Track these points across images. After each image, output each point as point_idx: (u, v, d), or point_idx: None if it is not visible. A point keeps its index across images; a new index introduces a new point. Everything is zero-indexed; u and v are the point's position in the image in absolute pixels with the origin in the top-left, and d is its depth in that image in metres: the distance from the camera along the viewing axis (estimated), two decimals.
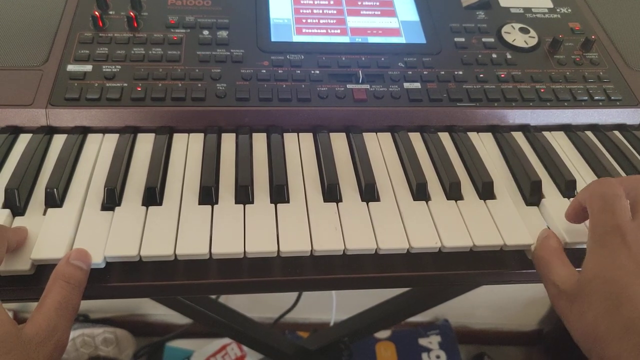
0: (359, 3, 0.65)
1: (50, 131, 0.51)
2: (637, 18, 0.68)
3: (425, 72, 0.57)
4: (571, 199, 0.48)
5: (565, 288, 0.38)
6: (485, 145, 0.55)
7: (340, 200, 0.46)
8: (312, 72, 0.56)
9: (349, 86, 0.55)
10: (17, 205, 0.43)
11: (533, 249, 0.44)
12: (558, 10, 0.67)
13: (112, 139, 0.51)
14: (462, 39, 0.61)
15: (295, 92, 0.54)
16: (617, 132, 0.58)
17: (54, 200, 0.44)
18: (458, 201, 0.47)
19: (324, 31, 0.61)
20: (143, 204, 0.45)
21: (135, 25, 0.57)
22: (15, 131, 0.51)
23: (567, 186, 0.49)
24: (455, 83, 0.57)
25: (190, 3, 0.61)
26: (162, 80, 0.53)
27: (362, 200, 0.47)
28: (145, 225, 0.42)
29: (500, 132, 0.56)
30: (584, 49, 0.62)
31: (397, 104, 0.54)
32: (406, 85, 0.56)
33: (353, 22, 0.62)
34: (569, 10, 0.67)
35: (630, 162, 0.53)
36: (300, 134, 0.54)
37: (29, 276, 0.40)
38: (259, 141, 0.52)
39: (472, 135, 0.55)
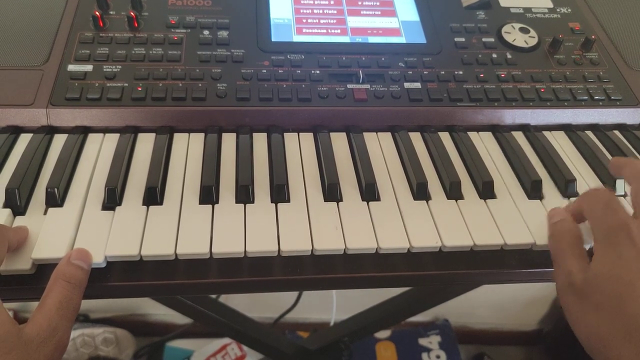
0: (359, 3, 0.65)
1: (50, 131, 0.51)
2: (637, 18, 0.68)
3: (425, 72, 0.57)
4: (571, 199, 0.49)
5: (576, 281, 0.37)
6: (485, 144, 0.55)
7: (341, 200, 0.46)
8: (313, 72, 0.56)
9: (349, 86, 0.55)
10: (17, 204, 0.43)
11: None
12: (558, 10, 0.67)
13: (112, 139, 0.51)
14: (463, 39, 0.61)
15: (295, 92, 0.54)
16: (617, 132, 0.58)
17: (55, 199, 0.44)
18: (458, 201, 0.47)
19: (325, 31, 0.61)
20: (144, 204, 0.45)
21: (136, 25, 0.57)
22: (16, 131, 0.51)
23: (567, 186, 0.49)
24: (456, 83, 0.57)
25: (191, 3, 0.61)
26: (162, 80, 0.53)
27: (363, 200, 0.47)
28: (145, 224, 0.43)
29: (500, 132, 0.56)
30: (584, 49, 0.62)
31: (398, 104, 0.55)
32: (406, 85, 0.56)
33: (353, 22, 0.62)
34: (569, 10, 0.67)
35: None
36: (300, 133, 0.54)
37: (29, 276, 0.40)
38: (260, 141, 0.52)
39: (473, 134, 0.55)
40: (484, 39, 0.62)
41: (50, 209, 0.44)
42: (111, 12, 0.59)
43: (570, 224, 0.41)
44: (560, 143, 0.56)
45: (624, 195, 0.49)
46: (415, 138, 0.54)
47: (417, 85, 0.56)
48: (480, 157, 0.52)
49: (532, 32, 0.63)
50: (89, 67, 0.53)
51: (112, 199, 0.44)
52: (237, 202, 0.45)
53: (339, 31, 0.61)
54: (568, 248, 0.39)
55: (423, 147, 0.54)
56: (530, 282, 0.46)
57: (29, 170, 0.46)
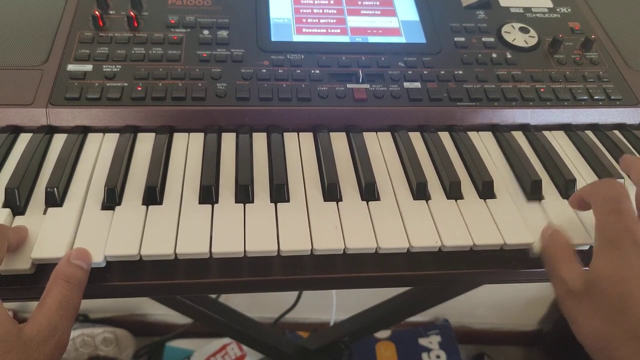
0: (359, 3, 0.65)
1: (50, 131, 0.51)
2: (637, 18, 0.68)
3: (425, 72, 0.57)
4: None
5: (574, 287, 0.37)
6: (485, 144, 0.55)
7: (341, 200, 0.46)
8: (312, 71, 0.56)
9: (349, 86, 0.55)
10: (17, 204, 0.43)
11: (535, 245, 0.43)
12: (558, 10, 0.67)
13: (112, 139, 0.51)
14: (462, 39, 0.61)
15: (295, 91, 0.54)
16: (617, 132, 0.58)
17: (55, 199, 0.44)
18: (458, 200, 0.47)
19: (324, 31, 0.61)
20: (143, 204, 0.45)
21: (136, 25, 0.57)
22: (15, 131, 0.51)
23: (567, 186, 0.49)
24: (455, 82, 0.57)
25: (191, 3, 0.61)
26: (162, 80, 0.53)
27: (362, 200, 0.47)
28: (145, 224, 0.42)
29: (500, 132, 0.56)
30: (584, 49, 0.62)
31: (397, 104, 0.55)
32: (406, 84, 0.56)
33: (353, 21, 0.62)
34: (569, 10, 0.67)
35: None
36: (300, 133, 0.54)
37: (29, 275, 0.40)
38: (259, 141, 0.52)
39: (472, 134, 0.55)
40: (483, 39, 0.62)
41: (50, 209, 0.44)
42: (111, 12, 0.59)
43: (560, 235, 0.42)
44: (560, 143, 0.56)
45: None
46: (415, 138, 0.54)
47: (417, 85, 0.56)
48: (480, 156, 0.52)
49: (532, 32, 0.63)
50: (88, 67, 0.53)
51: (112, 199, 0.44)
52: (236, 201, 0.45)
53: (338, 31, 0.61)
54: (563, 254, 0.40)
55: (423, 147, 0.54)
56: (530, 282, 0.46)
57: (28, 170, 0.46)
